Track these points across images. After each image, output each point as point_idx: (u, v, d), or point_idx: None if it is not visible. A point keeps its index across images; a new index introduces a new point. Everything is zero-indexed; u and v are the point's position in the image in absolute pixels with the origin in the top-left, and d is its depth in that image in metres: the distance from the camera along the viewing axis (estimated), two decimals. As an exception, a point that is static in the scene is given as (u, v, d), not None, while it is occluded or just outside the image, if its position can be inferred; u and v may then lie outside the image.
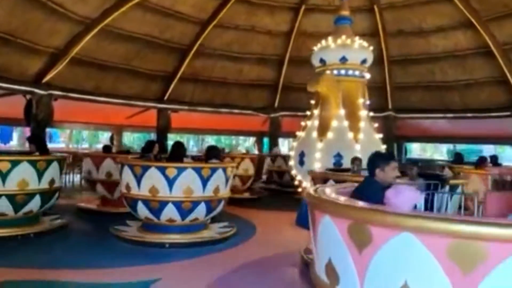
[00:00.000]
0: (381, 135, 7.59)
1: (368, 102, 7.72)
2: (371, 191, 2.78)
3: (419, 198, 2.95)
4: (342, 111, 7.37)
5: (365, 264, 1.96)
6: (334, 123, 7.32)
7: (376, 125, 7.63)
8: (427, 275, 1.78)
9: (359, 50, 7.50)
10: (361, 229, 1.99)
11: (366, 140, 7.20)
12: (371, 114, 7.72)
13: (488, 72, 11.40)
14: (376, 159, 3.00)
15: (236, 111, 13.41)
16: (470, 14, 10.54)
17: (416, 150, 28.15)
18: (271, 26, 12.27)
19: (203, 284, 4.02)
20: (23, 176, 5.52)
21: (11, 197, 5.45)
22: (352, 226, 2.04)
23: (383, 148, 7.27)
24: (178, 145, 5.94)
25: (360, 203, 2.22)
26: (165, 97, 12.46)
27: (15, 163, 5.47)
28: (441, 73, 12.14)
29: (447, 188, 4.52)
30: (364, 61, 7.51)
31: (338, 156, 7.07)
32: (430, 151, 29.86)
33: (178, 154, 5.78)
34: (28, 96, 9.85)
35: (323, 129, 7.35)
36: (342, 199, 2.39)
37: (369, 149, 6.90)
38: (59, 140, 31.64)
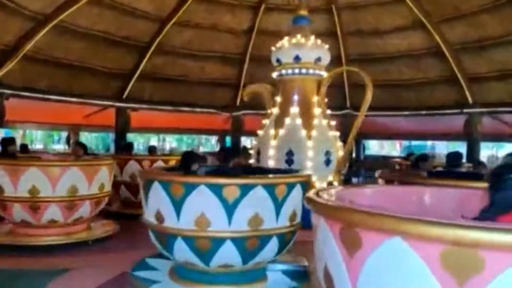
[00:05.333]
0: (338, 133, 7.75)
1: (325, 100, 7.86)
2: None
3: None
4: (275, 110, 7.72)
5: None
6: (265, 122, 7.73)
7: (334, 123, 7.77)
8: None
9: (312, 48, 7.59)
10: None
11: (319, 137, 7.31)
12: (329, 112, 7.85)
13: (440, 72, 11.91)
14: None
15: (198, 109, 13.31)
16: (422, 15, 10.98)
17: (374, 146, 29.04)
18: (232, 24, 12.26)
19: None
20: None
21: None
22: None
23: (339, 145, 7.39)
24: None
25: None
26: (124, 96, 12.20)
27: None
28: (397, 72, 12.55)
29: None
30: (318, 59, 7.60)
31: (291, 153, 7.18)
32: (388, 148, 30.87)
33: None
34: (-24, 95, 9.40)
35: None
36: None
37: (323, 146, 7.19)
38: (12, 141, 30.23)
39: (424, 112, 12.43)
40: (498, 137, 16.18)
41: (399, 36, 11.89)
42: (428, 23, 11.05)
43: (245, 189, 3.63)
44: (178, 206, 3.68)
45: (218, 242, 3.67)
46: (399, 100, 12.73)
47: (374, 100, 12.76)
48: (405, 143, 25.27)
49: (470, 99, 11.57)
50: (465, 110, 11.66)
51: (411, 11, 11.06)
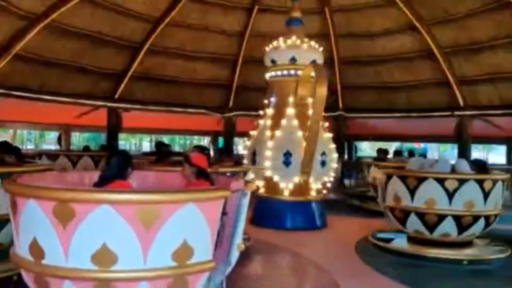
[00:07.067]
0: (331, 134, 7.77)
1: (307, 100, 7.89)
2: None
3: None
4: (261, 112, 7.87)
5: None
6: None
7: (326, 124, 7.80)
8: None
9: (286, 50, 7.61)
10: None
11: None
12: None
13: (431, 74, 12.00)
14: None
15: (190, 110, 13.28)
16: (414, 18, 11.07)
17: (366, 148, 29.17)
18: (225, 25, 12.27)
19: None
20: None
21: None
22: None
23: (332, 146, 7.42)
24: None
25: None
26: (116, 96, 12.14)
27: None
28: (388, 74, 12.63)
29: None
30: (292, 60, 7.55)
31: (254, 154, 7.36)
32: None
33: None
34: (-34, 94, 9.29)
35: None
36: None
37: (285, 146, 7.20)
38: None
39: (415, 114, 12.52)
40: (488, 140, 16.35)
41: (391, 39, 11.97)
42: (419, 26, 11.14)
43: None
44: None
45: None
46: (391, 102, 12.82)
47: (366, 102, 13.11)
48: (397, 144, 25.41)
49: (461, 102, 11.67)
50: (456, 113, 11.76)
51: (403, 14, 11.14)
